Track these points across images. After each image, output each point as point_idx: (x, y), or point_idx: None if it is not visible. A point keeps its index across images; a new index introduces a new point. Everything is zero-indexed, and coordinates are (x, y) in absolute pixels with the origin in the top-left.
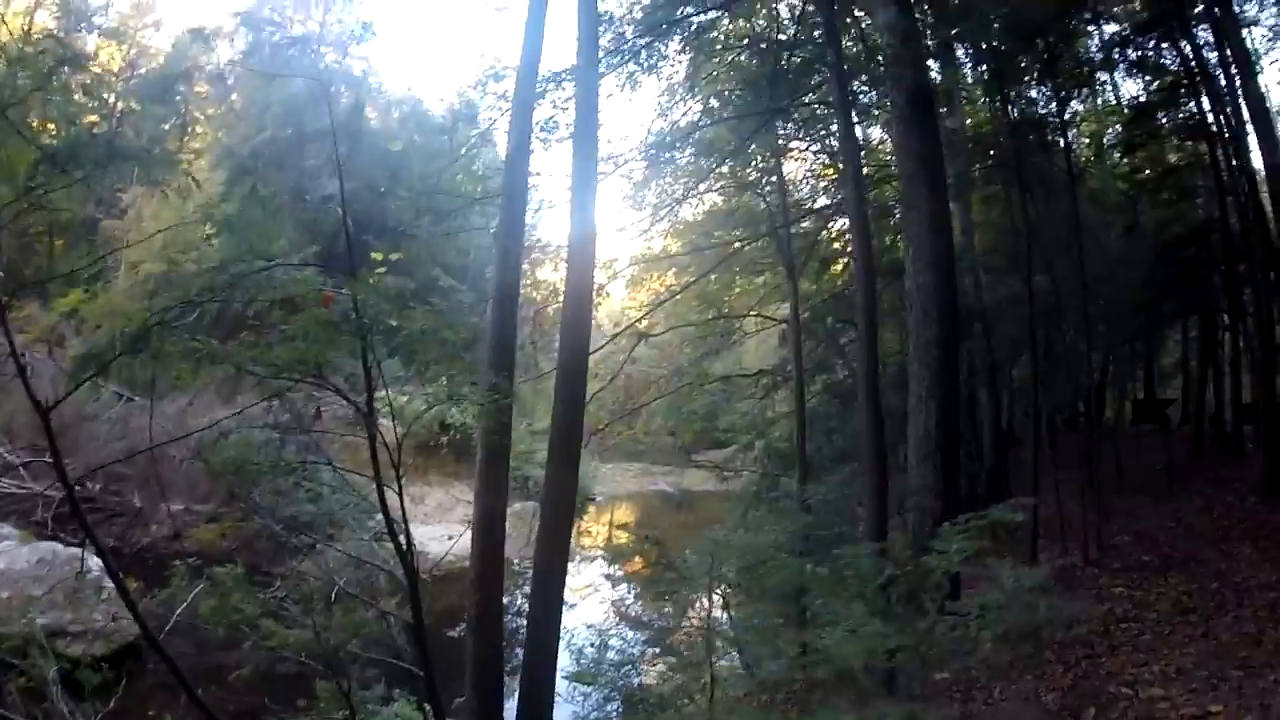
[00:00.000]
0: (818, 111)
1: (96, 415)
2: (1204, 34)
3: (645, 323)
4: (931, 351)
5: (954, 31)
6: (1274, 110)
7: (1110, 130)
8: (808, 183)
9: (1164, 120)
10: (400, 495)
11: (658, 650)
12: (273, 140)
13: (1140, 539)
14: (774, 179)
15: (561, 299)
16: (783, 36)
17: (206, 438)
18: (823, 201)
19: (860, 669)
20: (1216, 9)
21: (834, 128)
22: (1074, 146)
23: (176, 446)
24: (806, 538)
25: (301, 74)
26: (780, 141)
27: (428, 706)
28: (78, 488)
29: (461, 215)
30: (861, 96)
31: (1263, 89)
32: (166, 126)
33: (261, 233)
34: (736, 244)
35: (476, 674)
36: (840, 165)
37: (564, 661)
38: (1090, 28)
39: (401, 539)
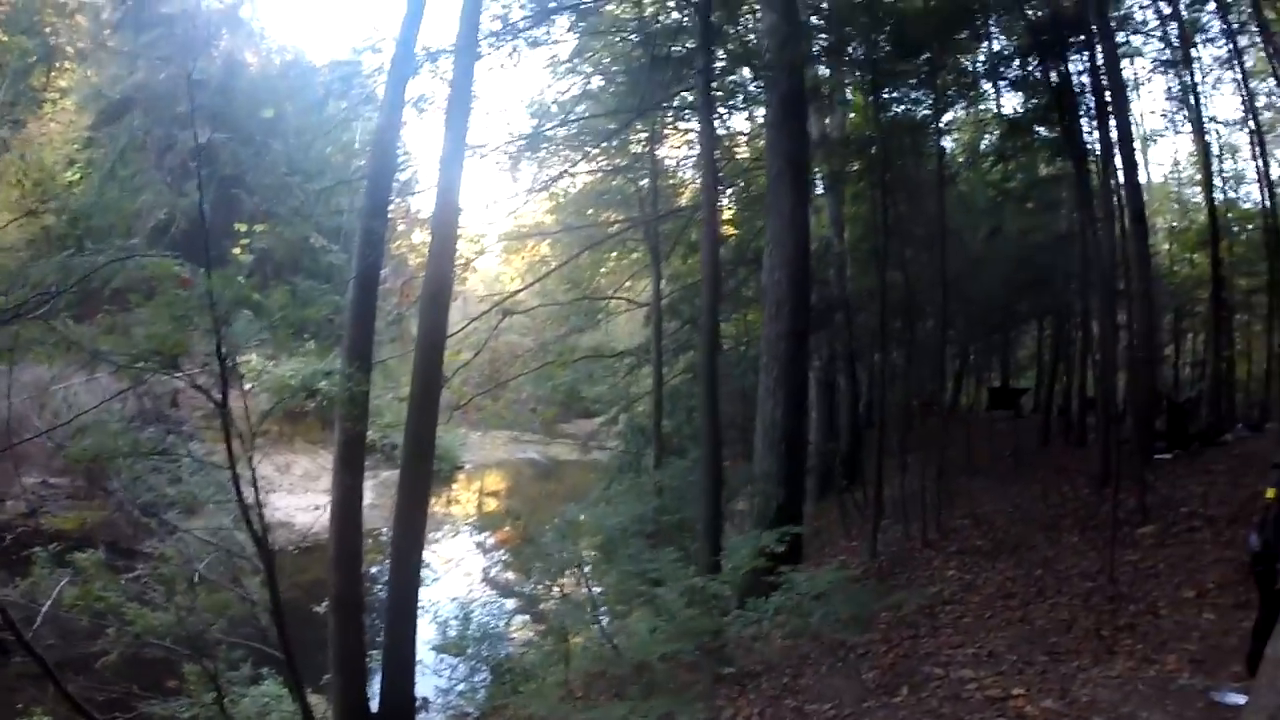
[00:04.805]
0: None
1: None
2: (1085, 60)
3: (513, 298)
4: (781, 345)
5: (837, 39)
6: (1147, 134)
7: (986, 138)
8: (684, 169)
9: (1037, 136)
10: (254, 484)
11: (527, 619)
12: (146, 84)
13: (978, 523)
14: (648, 165)
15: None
16: (668, 20)
17: (65, 431)
18: (695, 189)
19: (656, 661)
20: (1097, 39)
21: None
22: (948, 151)
23: (34, 419)
24: (656, 520)
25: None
26: (657, 127)
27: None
28: None
29: (337, 172)
30: (748, 86)
31: (1132, 117)
32: (32, 60)
33: (119, 214)
34: (608, 227)
35: (339, 654)
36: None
37: (431, 634)
38: (976, 43)
39: (257, 527)
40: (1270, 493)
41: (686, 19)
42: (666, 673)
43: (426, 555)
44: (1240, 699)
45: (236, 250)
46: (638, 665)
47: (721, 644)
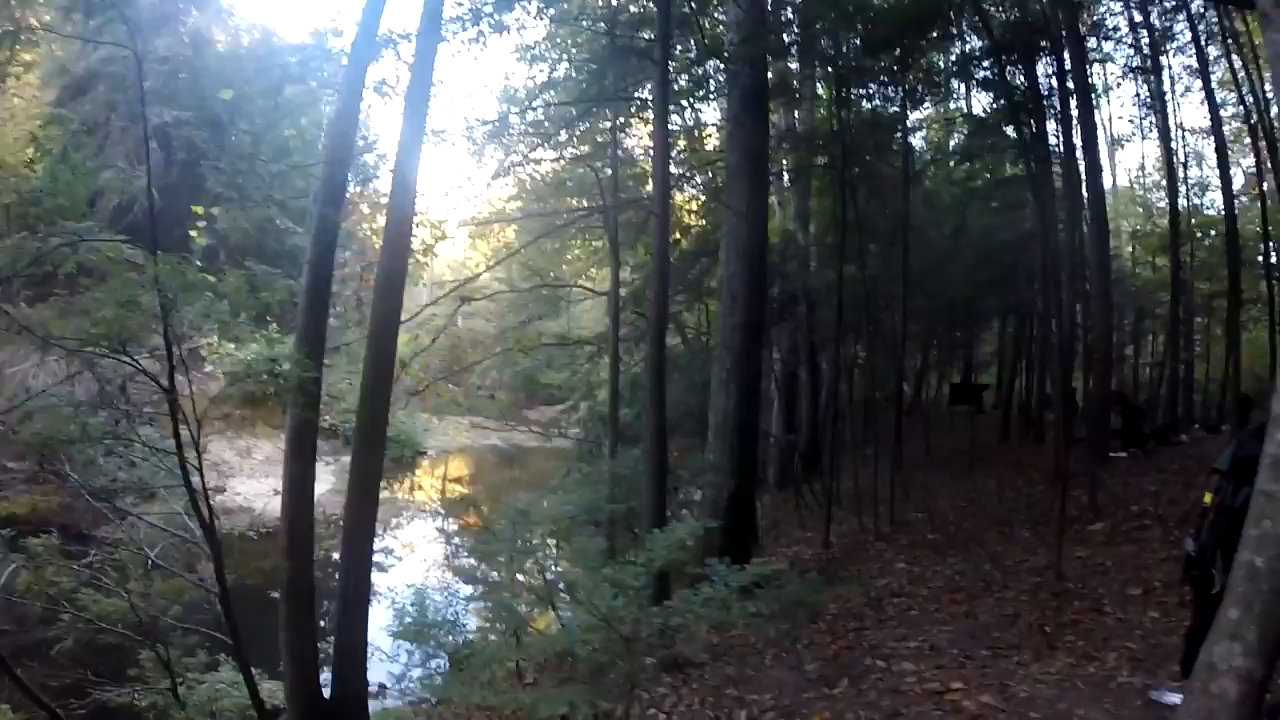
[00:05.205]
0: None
1: None
2: (1053, 63)
3: (473, 284)
4: (736, 337)
5: (806, 35)
6: (1116, 137)
7: (955, 136)
8: (649, 159)
9: (1004, 136)
10: (201, 470)
11: (487, 605)
12: (112, 57)
13: (932, 516)
14: (610, 153)
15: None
16: (635, 10)
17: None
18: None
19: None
20: (1065, 44)
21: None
22: (915, 149)
23: None
24: (609, 508)
25: None
26: (620, 117)
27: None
28: None
29: (300, 154)
30: (716, 77)
31: (1101, 121)
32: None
33: (72, 197)
34: (568, 215)
35: (291, 641)
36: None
37: (387, 620)
38: (946, 42)
39: (205, 513)
40: (1208, 497)
41: (654, 7)
42: (591, 661)
43: (389, 541)
44: (1177, 698)
45: (194, 233)
46: (561, 653)
47: (647, 634)
